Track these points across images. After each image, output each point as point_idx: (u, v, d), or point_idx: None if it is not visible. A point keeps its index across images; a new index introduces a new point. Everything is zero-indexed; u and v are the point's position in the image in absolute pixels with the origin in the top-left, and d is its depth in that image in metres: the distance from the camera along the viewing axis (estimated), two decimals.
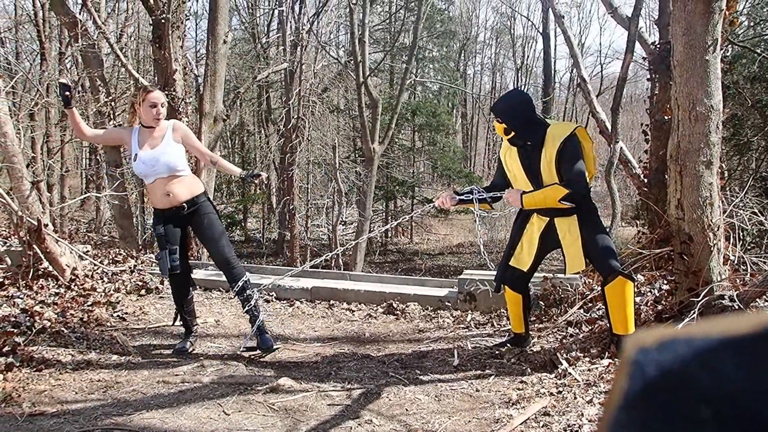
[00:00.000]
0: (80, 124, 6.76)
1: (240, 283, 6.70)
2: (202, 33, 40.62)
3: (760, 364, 0.56)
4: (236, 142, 39.78)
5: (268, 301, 9.11)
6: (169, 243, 6.73)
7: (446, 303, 8.63)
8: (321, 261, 7.56)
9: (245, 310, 6.87)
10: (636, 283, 7.07)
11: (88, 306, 8.02)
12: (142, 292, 9.12)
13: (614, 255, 6.02)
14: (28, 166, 9.76)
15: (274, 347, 6.90)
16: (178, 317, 7.25)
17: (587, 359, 5.95)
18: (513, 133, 6.14)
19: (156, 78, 14.11)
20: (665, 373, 0.59)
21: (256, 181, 6.67)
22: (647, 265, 7.68)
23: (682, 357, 0.59)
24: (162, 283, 9.37)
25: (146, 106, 6.43)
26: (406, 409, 5.34)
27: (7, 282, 8.49)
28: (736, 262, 6.81)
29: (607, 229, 6.60)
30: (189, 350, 6.97)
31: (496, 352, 6.76)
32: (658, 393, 0.59)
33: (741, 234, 7.28)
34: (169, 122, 6.68)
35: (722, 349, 0.58)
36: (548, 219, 6.25)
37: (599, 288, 6.73)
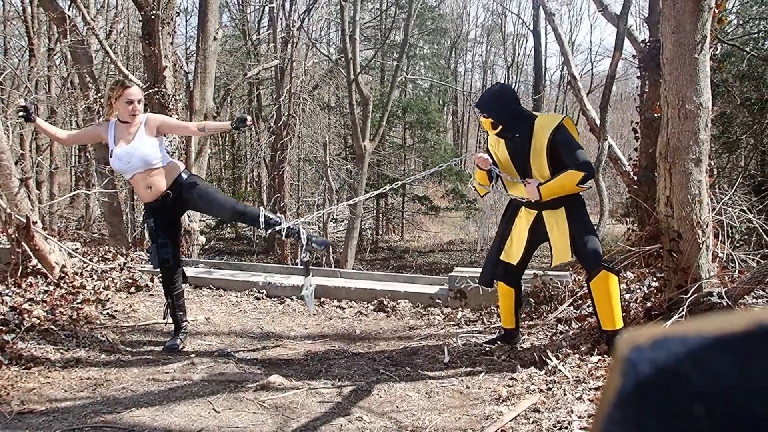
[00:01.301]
0: (52, 131, 6.85)
1: (262, 221, 6.73)
2: (192, 30, 40.62)
3: (753, 361, 0.56)
4: (227, 139, 39.70)
5: (258, 299, 9.10)
6: (159, 236, 6.75)
7: (437, 300, 8.63)
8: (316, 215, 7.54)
9: (285, 236, 6.93)
10: (625, 280, 7.10)
11: (78, 304, 8.01)
12: (132, 289, 9.10)
13: (599, 250, 6.05)
14: (16, 163, 9.76)
15: (328, 242, 7.11)
16: (168, 313, 7.24)
17: (577, 356, 5.96)
18: (500, 127, 6.16)
19: (146, 75, 14.09)
20: (658, 370, 0.59)
21: (248, 125, 6.64)
22: (636, 262, 7.71)
23: (676, 355, 0.59)
24: (152, 280, 9.36)
25: (122, 102, 6.41)
26: (397, 406, 5.35)
27: None
28: (724, 259, 6.84)
29: (596, 227, 6.62)
30: (179, 347, 6.95)
31: (487, 349, 6.77)
32: (651, 391, 0.59)
33: (730, 231, 7.32)
34: (143, 116, 6.65)
35: (715, 347, 0.58)
36: (536, 212, 6.27)
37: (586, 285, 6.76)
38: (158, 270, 7.18)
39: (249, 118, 6.63)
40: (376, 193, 8.92)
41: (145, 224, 6.93)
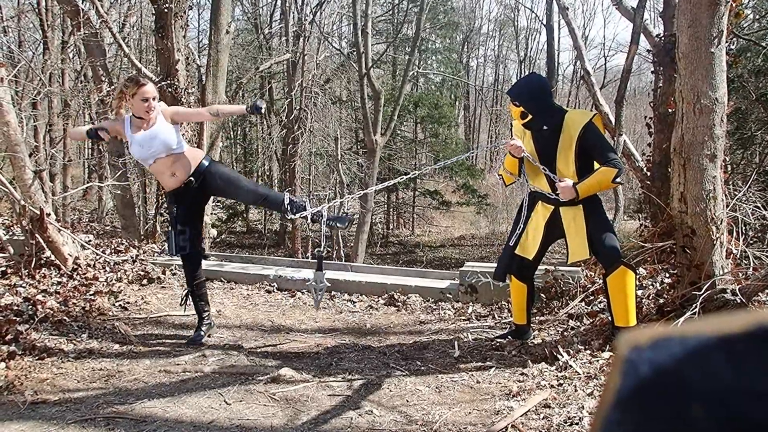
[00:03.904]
0: (78, 133, 6.88)
1: (287, 206, 6.69)
2: (204, 23, 40.63)
3: (751, 363, 0.56)
4: (238, 132, 39.77)
5: (269, 292, 9.11)
6: (178, 224, 6.74)
7: (447, 295, 8.62)
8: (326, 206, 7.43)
9: (310, 220, 6.85)
10: (638, 277, 7.07)
11: (90, 295, 8.03)
12: (144, 281, 9.13)
13: (617, 246, 6.03)
14: (30, 155, 9.76)
15: (351, 218, 7.09)
16: (187, 302, 7.22)
17: (588, 352, 5.95)
18: (530, 117, 6.13)
19: (158, 68, 14.10)
20: (658, 371, 0.59)
21: (262, 113, 6.61)
22: (649, 258, 7.69)
23: (675, 356, 0.59)
24: (164, 272, 9.39)
25: (138, 100, 6.37)
26: (407, 400, 5.34)
27: (9, 271, 8.51)
28: (738, 256, 6.81)
29: (613, 223, 6.60)
30: (202, 340, 6.97)
31: (497, 344, 6.75)
32: (650, 392, 0.59)
33: (744, 228, 7.27)
34: (156, 108, 6.61)
35: (714, 349, 0.58)
36: (553, 208, 6.26)
37: (601, 280, 6.74)
38: (176, 258, 7.17)
39: (264, 106, 6.60)
40: (392, 182, 8.88)
41: (169, 211, 6.93)
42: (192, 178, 6.61)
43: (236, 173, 7.01)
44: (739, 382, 0.55)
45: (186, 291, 7.20)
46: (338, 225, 6.94)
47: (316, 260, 7.09)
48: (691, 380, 0.57)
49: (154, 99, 6.44)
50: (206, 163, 6.74)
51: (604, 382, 4.95)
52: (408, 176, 8.97)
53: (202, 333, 7.02)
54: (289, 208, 6.66)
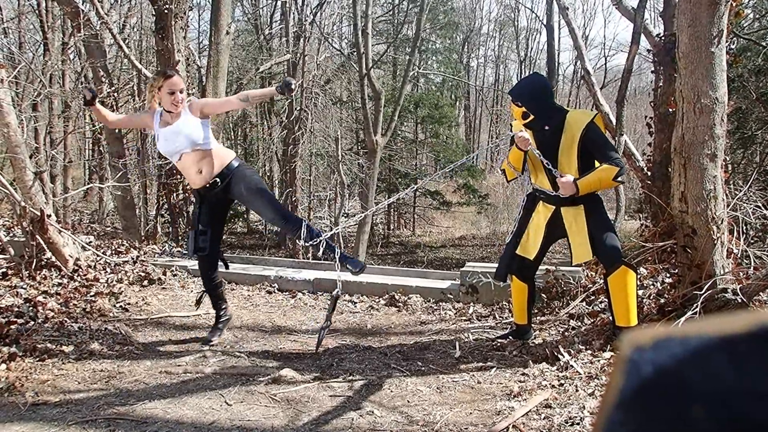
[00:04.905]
0: (104, 113, 6.88)
1: (303, 232, 6.60)
2: (204, 24, 40.64)
3: (753, 364, 0.56)
4: (239, 133, 39.73)
5: (270, 293, 9.12)
6: (200, 223, 6.72)
7: (448, 295, 8.63)
8: (324, 238, 7.33)
9: (321, 252, 6.75)
10: (639, 276, 7.07)
11: (91, 296, 8.03)
12: (145, 282, 9.14)
13: (618, 246, 6.04)
14: (31, 156, 9.75)
15: (363, 265, 6.89)
16: (200, 302, 7.19)
17: (589, 352, 5.95)
18: (532, 117, 6.13)
19: (159, 68, 14.11)
20: (660, 372, 0.59)
21: (293, 89, 6.52)
22: (650, 258, 7.70)
23: (677, 356, 0.58)
24: (164, 273, 9.39)
25: (165, 93, 6.36)
26: (408, 401, 5.34)
27: (10, 272, 8.52)
28: (739, 255, 6.82)
29: (614, 223, 6.60)
30: (216, 341, 6.97)
31: (498, 345, 6.76)
32: (652, 392, 0.58)
33: (744, 227, 7.29)
34: (184, 102, 6.60)
35: (716, 349, 0.58)
36: (554, 208, 6.26)
37: (602, 280, 6.74)
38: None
39: (294, 81, 6.53)
40: (401, 194, 8.88)
41: (193, 209, 6.92)
42: (218, 179, 6.57)
43: (264, 185, 6.90)
44: (741, 383, 0.55)
45: (201, 292, 7.19)
46: (349, 267, 6.80)
47: (330, 301, 6.99)
48: (692, 381, 0.57)
49: (181, 92, 6.43)
50: (235, 164, 6.69)
51: (605, 382, 4.96)
52: (415, 187, 8.96)
53: (217, 334, 7.03)
54: (306, 235, 6.59)
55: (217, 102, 6.76)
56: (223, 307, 7.23)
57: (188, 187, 13.30)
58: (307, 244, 6.71)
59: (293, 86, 6.38)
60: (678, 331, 0.60)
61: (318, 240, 6.63)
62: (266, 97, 6.89)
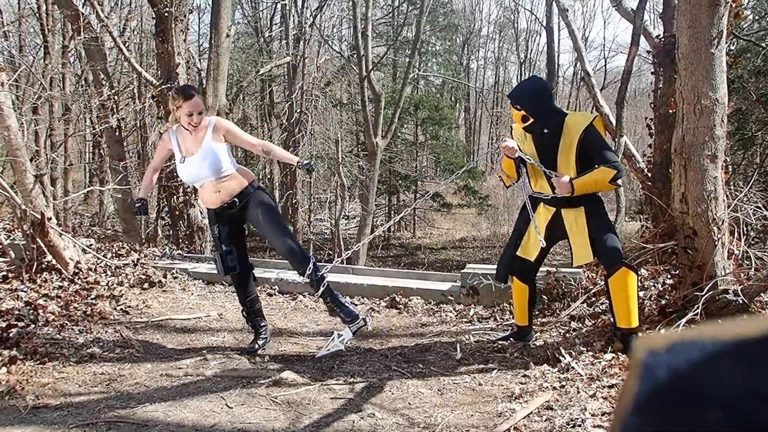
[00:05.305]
0: (147, 183, 7.02)
1: (308, 271, 6.48)
2: (204, 27, 40.58)
3: (765, 368, 0.56)
4: None
5: (270, 295, 9.11)
6: (223, 244, 6.66)
7: (449, 297, 8.62)
8: (335, 263, 7.24)
9: (319, 294, 6.63)
10: (640, 278, 7.06)
11: (92, 299, 8.02)
12: (146, 285, 9.12)
13: (619, 247, 6.04)
14: (31, 159, 9.77)
15: (362, 318, 6.69)
16: (246, 318, 7.11)
17: (590, 353, 5.95)
18: (531, 120, 6.13)
19: (159, 71, 14.12)
20: (675, 376, 0.58)
21: (312, 175, 6.51)
22: (651, 259, 7.70)
23: (692, 360, 0.58)
24: (165, 276, 9.38)
25: (183, 114, 6.29)
26: (409, 403, 5.34)
27: (10, 275, 8.51)
28: (740, 256, 6.82)
29: (615, 225, 6.60)
30: (258, 350, 6.88)
31: (499, 346, 6.76)
32: (667, 396, 0.58)
33: (745, 228, 7.29)
34: (210, 120, 6.53)
35: (731, 353, 0.58)
36: (555, 210, 6.26)
37: (603, 282, 6.73)
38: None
39: (316, 170, 6.49)
40: (416, 204, 8.88)
41: (210, 230, 6.87)
42: (236, 199, 6.53)
43: (278, 213, 6.82)
44: (754, 387, 0.55)
45: (242, 310, 7.13)
46: (343, 315, 6.63)
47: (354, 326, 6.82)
48: (706, 385, 0.57)
49: (200, 113, 6.35)
50: (255, 187, 6.67)
51: (607, 384, 4.96)
52: (423, 197, 8.94)
53: (257, 346, 6.93)
54: (308, 275, 6.49)
55: (241, 137, 6.58)
56: (263, 325, 7.13)
57: (189, 189, 13.28)
58: (305, 281, 6.65)
59: (313, 172, 6.40)
60: (692, 335, 0.60)
61: (321, 283, 6.55)
62: (285, 161, 6.78)
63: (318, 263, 6.68)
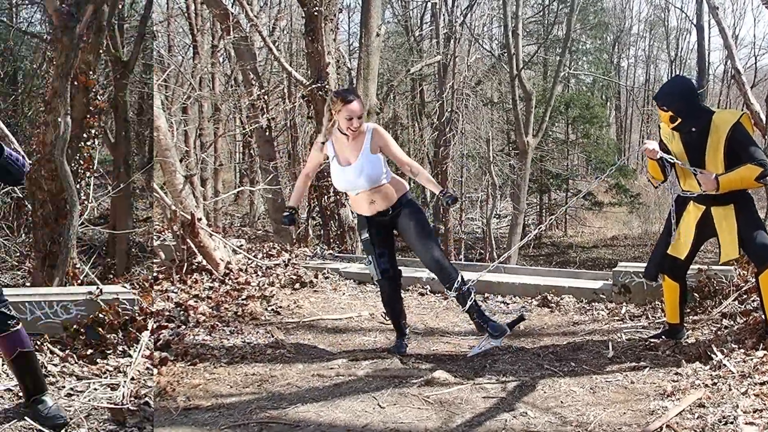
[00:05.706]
0: (297, 196, 7.27)
1: (455, 284, 6.43)
2: (354, 26, 40.72)
3: None
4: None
5: (422, 295, 9.13)
6: (376, 247, 6.65)
7: (601, 295, 8.53)
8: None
9: (465, 309, 6.60)
10: None
11: (242, 300, 8.14)
12: (297, 285, 9.21)
13: None
14: (181, 160, 9.99)
15: (505, 328, 6.60)
16: (393, 320, 7.10)
17: (742, 351, 5.82)
18: (679, 120, 6.03)
19: (309, 71, 14.30)
20: None
21: (454, 206, 6.46)
22: None
23: None
24: (316, 276, 9.45)
25: (342, 117, 6.25)
26: (561, 402, 5.29)
27: (161, 276, 8.71)
28: None
29: (765, 222, 6.43)
30: (404, 351, 6.85)
31: (651, 344, 6.67)
32: None
33: None
34: (368, 127, 6.50)
35: None
36: (705, 207, 6.15)
37: (754, 279, 6.55)
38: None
39: (459, 202, 6.43)
40: (571, 203, 8.83)
41: (360, 235, 6.90)
42: (390, 209, 6.54)
43: (429, 225, 6.77)
44: None
45: (384, 312, 7.15)
46: (489, 330, 6.53)
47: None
48: None
49: (359, 117, 6.30)
50: (408, 197, 6.69)
51: (759, 381, 4.84)
52: (577, 197, 8.83)
53: (405, 343, 6.94)
54: (455, 290, 6.44)
55: (394, 153, 6.45)
56: (407, 325, 7.11)
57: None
58: (452, 296, 6.58)
59: (455, 204, 6.35)
60: None
61: (468, 297, 6.49)
62: (428, 187, 6.70)
63: (465, 281, 6.56)
